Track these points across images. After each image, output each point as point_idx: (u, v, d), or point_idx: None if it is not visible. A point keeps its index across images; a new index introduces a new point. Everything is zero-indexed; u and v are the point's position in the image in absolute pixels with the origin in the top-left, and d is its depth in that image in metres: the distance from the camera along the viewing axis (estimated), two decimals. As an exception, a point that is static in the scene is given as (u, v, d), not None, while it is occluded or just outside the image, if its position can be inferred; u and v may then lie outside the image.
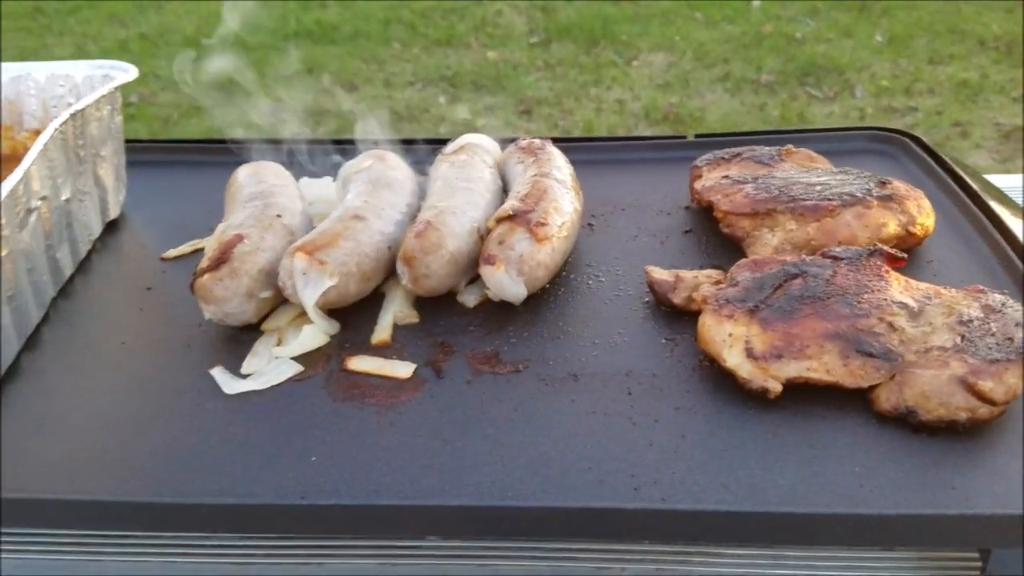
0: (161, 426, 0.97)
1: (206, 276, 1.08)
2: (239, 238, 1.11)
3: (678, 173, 1.35)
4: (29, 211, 1.08)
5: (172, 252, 1.28)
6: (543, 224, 1.11)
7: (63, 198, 1.17)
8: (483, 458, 0.90)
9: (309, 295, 1.08)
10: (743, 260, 1.05)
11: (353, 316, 1.13)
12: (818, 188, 1.15)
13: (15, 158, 1.36)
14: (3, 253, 1.03)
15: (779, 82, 5.59)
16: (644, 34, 6.28)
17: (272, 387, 1.02)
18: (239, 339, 1.11)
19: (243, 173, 1.28)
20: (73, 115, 1.17)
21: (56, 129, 1.13)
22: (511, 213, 1.12)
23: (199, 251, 1.28)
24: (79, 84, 1.33)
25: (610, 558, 0.94)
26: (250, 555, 0.95)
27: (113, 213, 1.34)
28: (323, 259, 1.08)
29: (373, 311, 1.14)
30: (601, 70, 5.76)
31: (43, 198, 1.11)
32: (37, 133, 1.36)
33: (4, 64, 1.34)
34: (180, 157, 1.51)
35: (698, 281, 1.06)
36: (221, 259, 1.09)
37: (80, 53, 6.57)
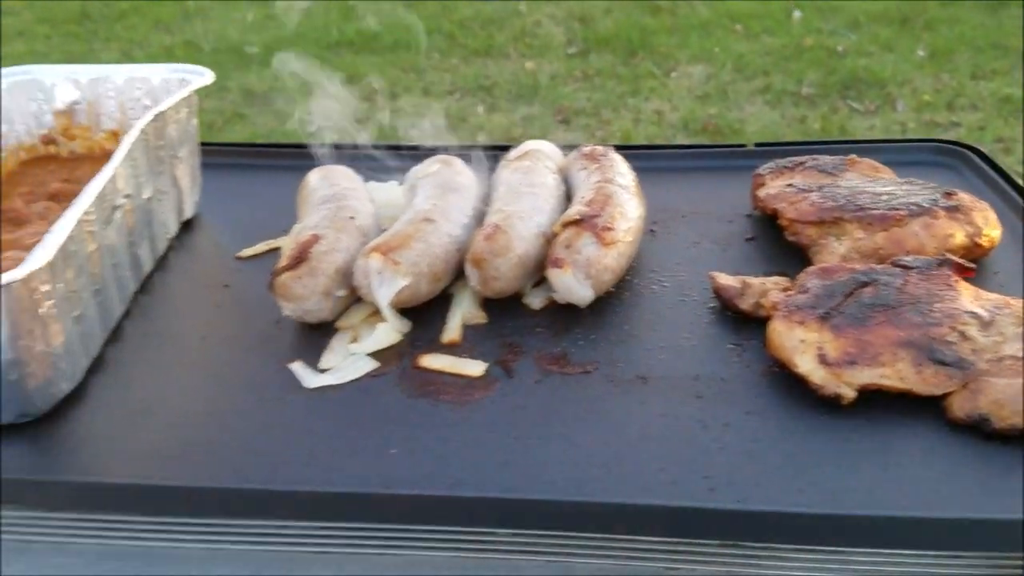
0: (245, 417, 1.01)
1: (286, 275, 1.11)
2: (316, 238, 1.15)
3: (737, 181, 1.37)
4: (115, 208, 1.13)
5: (247, 251, 1.31)
6: (609, 229, 1.13)
7: (144, 196, 1.22)
8: (557, 455, 0.92)
9: (384, 294, 1.11)
10: (812, 267, 1.06)
11: (422, 316, 1.16)
12: (884, 198, 1.16)
13: (91, 157, 1.42)
14: (92, 248, 1.07)
15: (820, 95, 5.55)
16: (683, 45, 6.28)
17: (349, 382, 1.05)
18: (314, 336, 1.14)
19: (315, 177, 1.32)
20: (155, 116, 1.21)
21: (140, 130, 1.17)
22: (577, 218, 1.14)
23: (273, 251, 1.31)
24: (156, 87, 1.38)
25: (679, 559, 0.95)
26: (327, 543, 0.98)
27: (188, 213, 1.38)
28: (397, 260, 1.11)
29: (440, 311, 1.17)
30: (639, 81, 5.77)
31: (127, 196, 1.16)
32: (114, 134, 1.41)
33: (85, 66, 1.39)
34: (249, 160, 1.56)
35: (766, 287, 1.07)
36: (300, 258, 1.12)
37: (126, 59, 6.72)
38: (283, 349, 1.12)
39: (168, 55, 6.58)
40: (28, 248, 1.17)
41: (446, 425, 0.98)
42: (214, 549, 1.03)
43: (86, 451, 0.99)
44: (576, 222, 1.14)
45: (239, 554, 1.02)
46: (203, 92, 1.44)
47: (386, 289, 1.11)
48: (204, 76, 1.35)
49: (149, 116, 1.20)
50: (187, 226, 1.39)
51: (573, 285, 1.10)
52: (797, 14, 6.46)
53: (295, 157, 1.52)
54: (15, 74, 1.37)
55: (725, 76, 5.74)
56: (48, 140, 1.40)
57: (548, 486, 0.88)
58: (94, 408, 1.03)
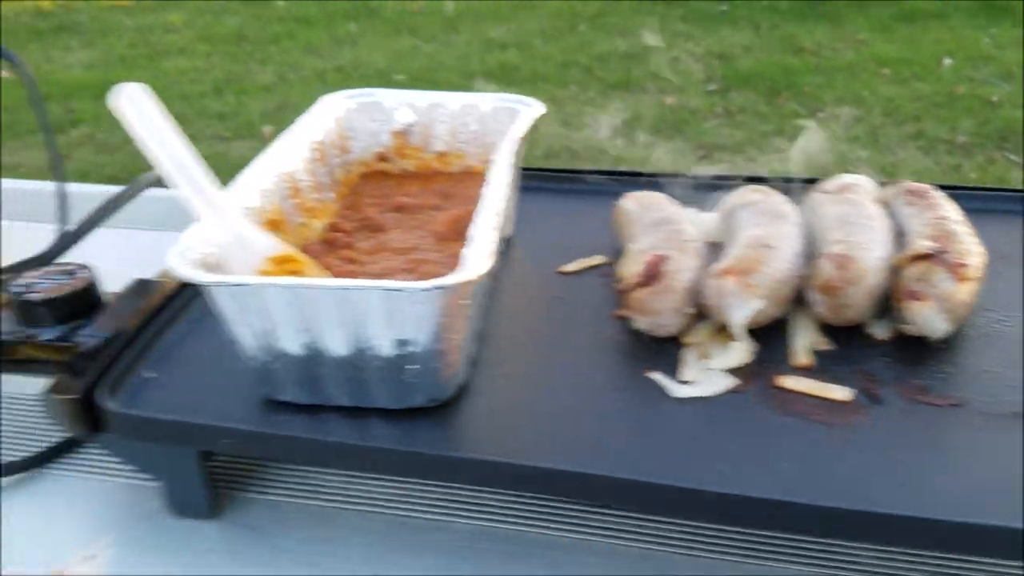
0: (620, 419, 1.08)
1: (642, 291, 1.20)
2: (664, 258, 1.23)
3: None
4: (488, 222, 1.24)
5: (570, 267, 1.41)
6: (963, 265, 1.17)
7: (498, 212, 1.33)
8: (955, 479, 0.96)
9: (738, 315, 1.17)
10: None
11: (759, 338, 1.21)
12: None
13: (419, 175, 1.55)
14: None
15: (975, 144, 5.43)
16: (828, 87, 6.24)
17: (714, 396, 1.12)
18: (657, 349, 1.21)
19: (635, 201, 1.41)
20: (517, 142, 1.32)
21: (512, 153, 1.28)
22: (928, 252, 1.18)
23: (592, 268, 1.41)
24: (485, 114, 1.50)
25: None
26: (695, 543, 1.05)
27: (508, 230, 1.49)
28: (751, 283, 1.18)
29: (775, 335, 1.22)
30: (784, 120, 5.76)
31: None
32: (441, 155, 1.54)
33: (423, 92, 1.52)
34: (553, 184, 1.66)
35: None
36: (653, 276, 1.20)
37: (281, 81, 7.12)
38: (633, 360, 1.20)
39: (320, 79, 6.96)
40: (397, 251, 1.30)
41: (827, 444, 1.03)
42: (583, 540, 1.11)
43: (481, 434, 1.08)
44: (926, 256, 1.18)
45: (609, 548, 1.10)
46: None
47: (740, 310, 1.17)
48: (533, 106, 1.46)
49: (514, 143, 1.31)
50: (506, 243, 1.50)
51: (932, 318, 1.15)
52: (947, 61, 6.34)
53: (595, 182, 1.62)
54: (362, 95, 1.51)
55: (874, 120, 5.69)
56: (382, 157, 1.54)
57: (951, 506, 0.91)
58: (478, 399, 1.12)
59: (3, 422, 1.32)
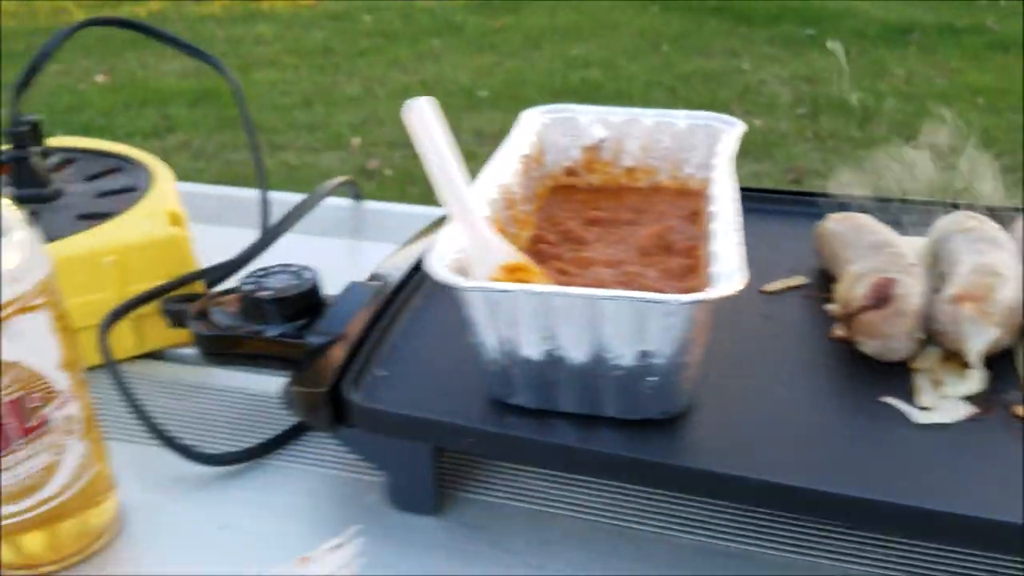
0: (865, 442, 1.07)
1: (873, 314, 1.19)
2: (894, 281, 1.22)
3: None
4: (708, 237, 1.25)
5: (772, 286, 1.41)
6: None
7: (712, 228, 1.33)
8: None
9: (977, 342, 1.16)
10: None
11: (987, 366, 1.20)
12: None
13: (606, 190, 1.56)
14: (704, 271, 1.18)
15: (1081, 176, 5.27)
16: (921, 113, 6.11)
17: (955, 423, 1.11)
18: (881, 373, 1.20)
19: (842, 223, 1.41)
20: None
21: (729, 173, 1.29)
22: None
23: (794, 288, 1.41)
24: (680, 131, 1.51)
25: None
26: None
27: (710, 246, 1.49)
28: (989, 310, 1.17)
29: (1001, 363, 1.20)
30: (876, 145, 5.66)
31: (717, 227, 1.27)
32: (630, 171, 1.55)
33: (618, 108, 1.54)
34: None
35: None
36: (884, 299, 1.20)
37: (368, 94, 7.27)
38: (856, 382, 1.19)
39: (405, 93, 7.07)
40: (605, 265, 1.31)
41: (1088, 476, 1.01)
42: (814, 562, 1.10)
43: (718, 448, 1.08)
44: None
45: (841, 571, 1.09)
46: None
47: (978, 338, 1.16)
48: (736, 125, 1.46)
49: (728, 160, 1.32)
50: (706, 258, 1.50)
51: None
52: (1046, 90, 6.17)
53: (775, 203, 1.62)
54: (558, 111, 1.54)
55: (971, 149, 5.57)
56: (570, 172, 1.56)
57: None
58: (707, 414, 1.12)
59: (212, 416, 1.37)
